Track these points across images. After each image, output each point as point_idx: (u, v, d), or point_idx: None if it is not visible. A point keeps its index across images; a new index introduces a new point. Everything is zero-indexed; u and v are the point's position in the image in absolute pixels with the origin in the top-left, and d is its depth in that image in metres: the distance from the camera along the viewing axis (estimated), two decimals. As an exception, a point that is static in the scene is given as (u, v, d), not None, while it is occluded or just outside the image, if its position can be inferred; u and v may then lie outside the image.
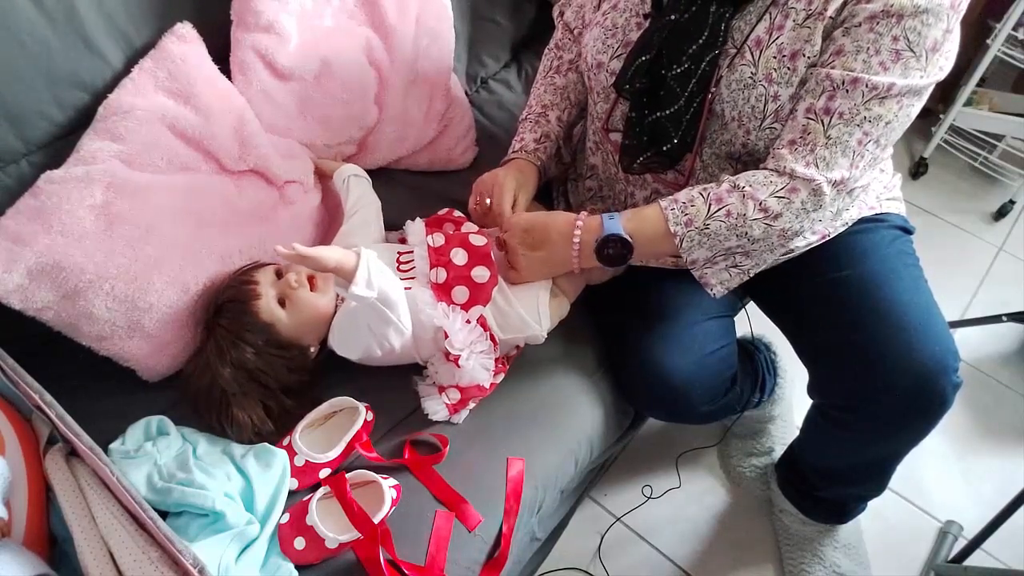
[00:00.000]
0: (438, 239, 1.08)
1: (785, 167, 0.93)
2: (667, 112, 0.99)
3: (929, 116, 2.25)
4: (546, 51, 1.28)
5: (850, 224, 1.10)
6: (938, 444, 1.61)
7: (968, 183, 2.28)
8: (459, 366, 1.00)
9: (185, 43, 1.11)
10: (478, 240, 1.07)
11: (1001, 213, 2.17)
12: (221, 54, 1.16)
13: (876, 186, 1.14)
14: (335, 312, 1.03)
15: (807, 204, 0.94)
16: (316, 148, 1.27)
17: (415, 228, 1.13)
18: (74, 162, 1.02)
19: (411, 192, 1.32)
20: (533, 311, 1.06)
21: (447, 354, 1.01)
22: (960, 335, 1.81)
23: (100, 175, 1.01)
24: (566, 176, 1.33)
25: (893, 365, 0.99)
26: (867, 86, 0.88)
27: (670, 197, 0.99)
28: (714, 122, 1.00)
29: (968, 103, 2.11)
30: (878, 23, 0.86)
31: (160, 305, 1.01)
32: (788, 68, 0.93)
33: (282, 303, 1.02)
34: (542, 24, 1.33)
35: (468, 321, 1.02)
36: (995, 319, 1.70)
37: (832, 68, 0.89)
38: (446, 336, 1.00)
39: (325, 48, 1.23)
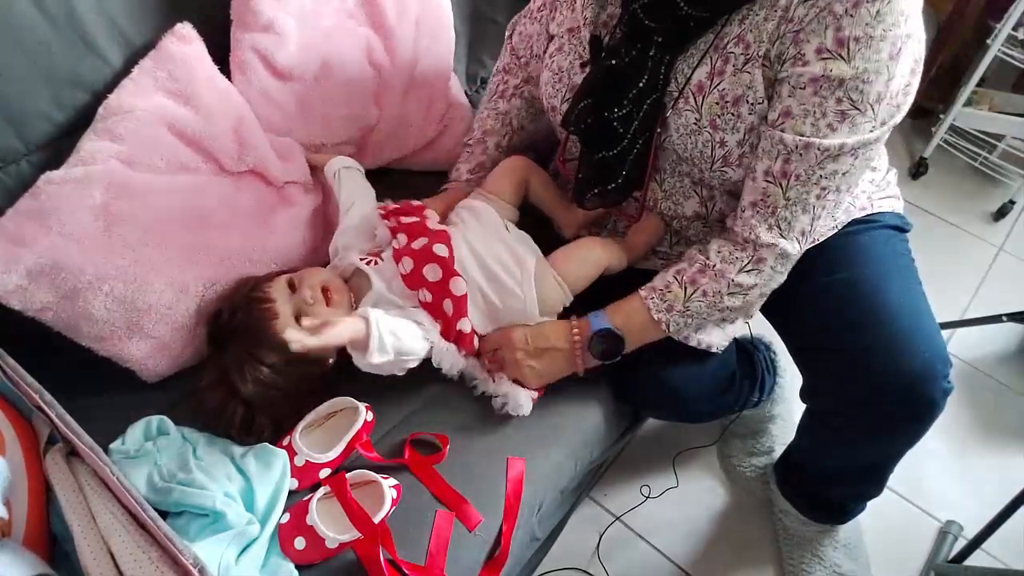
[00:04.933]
0: (408, 264, 1.03)
1: (749, 235, 0.95)
2: (612, 152, 1.00)
3: (929, 116, 2.25)
4: (493, 72, 1.29)
5: (840, 227, 1.10)
6: (938, 444, 1.61)
7: (968, 183, 2.27)
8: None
9: (185, 43, 1.11)
10: (441, 251, 1.04)
11: (1001, 213, 2.17)
12: (221, 54, 1.16)
13: (867, 186, 1.13)
14: None
15: (776, 267, 0.98)
16: (316, 148, 1.26)
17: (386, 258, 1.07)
18: (74, 162, 1.02)
19: (411, 192, 1.31)
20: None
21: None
22: (960, 335, 1.81)
23: (100, 176, 1.01)
24: None
25: (881, 371, 0.99)
26: (819, 149, 0.88)
27: (648, 286, 1.02)
28: (670, 155, 1.02)
29: (968, 103, 2.10)
30: (821, 87, 0.86)
31: (159, 306, 1.02)
32: (732, 115, 0.93)
33: (298, 319, 1.00)
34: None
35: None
36: (995, 319, 1.70)
37: (784, 132, 0.89)
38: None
39: (325, 48, 1.23)
